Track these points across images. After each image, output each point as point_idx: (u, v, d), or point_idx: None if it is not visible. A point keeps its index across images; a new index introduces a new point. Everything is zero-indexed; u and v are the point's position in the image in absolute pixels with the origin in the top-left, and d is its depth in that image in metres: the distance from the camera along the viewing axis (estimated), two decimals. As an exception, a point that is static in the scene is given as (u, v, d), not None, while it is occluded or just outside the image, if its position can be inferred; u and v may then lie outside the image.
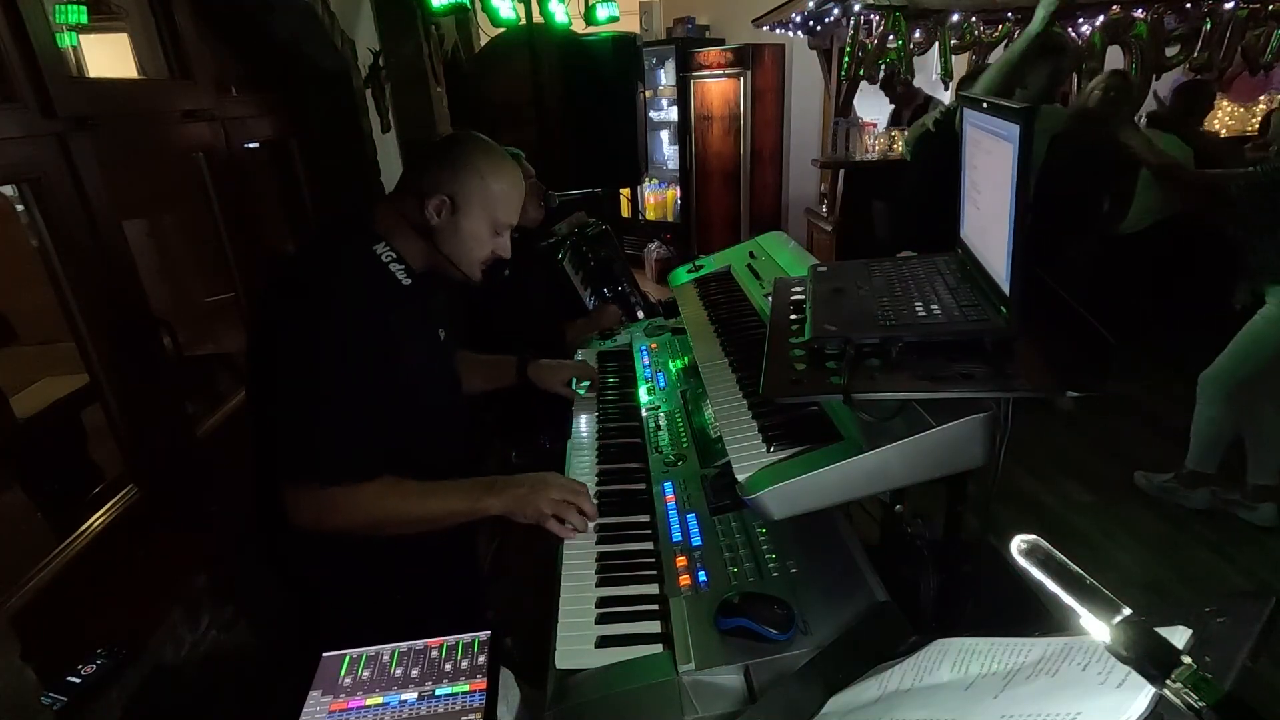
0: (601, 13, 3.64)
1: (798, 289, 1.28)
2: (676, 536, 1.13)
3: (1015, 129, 0.83)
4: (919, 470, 0.91)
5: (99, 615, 1.37)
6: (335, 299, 1.08)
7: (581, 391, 1.64)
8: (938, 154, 2.74)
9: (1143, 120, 3.67)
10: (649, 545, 1.14)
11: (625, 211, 6.11)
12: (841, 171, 4.68)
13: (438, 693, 0.82)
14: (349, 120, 2.66)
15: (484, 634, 0.89)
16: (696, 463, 1.32)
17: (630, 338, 1.99)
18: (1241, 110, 4.74)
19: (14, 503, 1.57)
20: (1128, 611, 0.48)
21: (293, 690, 0.84)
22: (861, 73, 4.39)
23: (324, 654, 0.89)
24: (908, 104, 4.92)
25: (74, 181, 1.42)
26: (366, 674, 0.86)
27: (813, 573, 1.00)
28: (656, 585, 1.05)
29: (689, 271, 1.93)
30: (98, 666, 1.22)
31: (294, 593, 1.28)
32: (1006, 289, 0.92)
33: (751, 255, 1.77)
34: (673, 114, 6.27)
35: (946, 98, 4.88)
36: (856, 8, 4.15)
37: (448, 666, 0.85)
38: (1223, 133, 4.48)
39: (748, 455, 1.01)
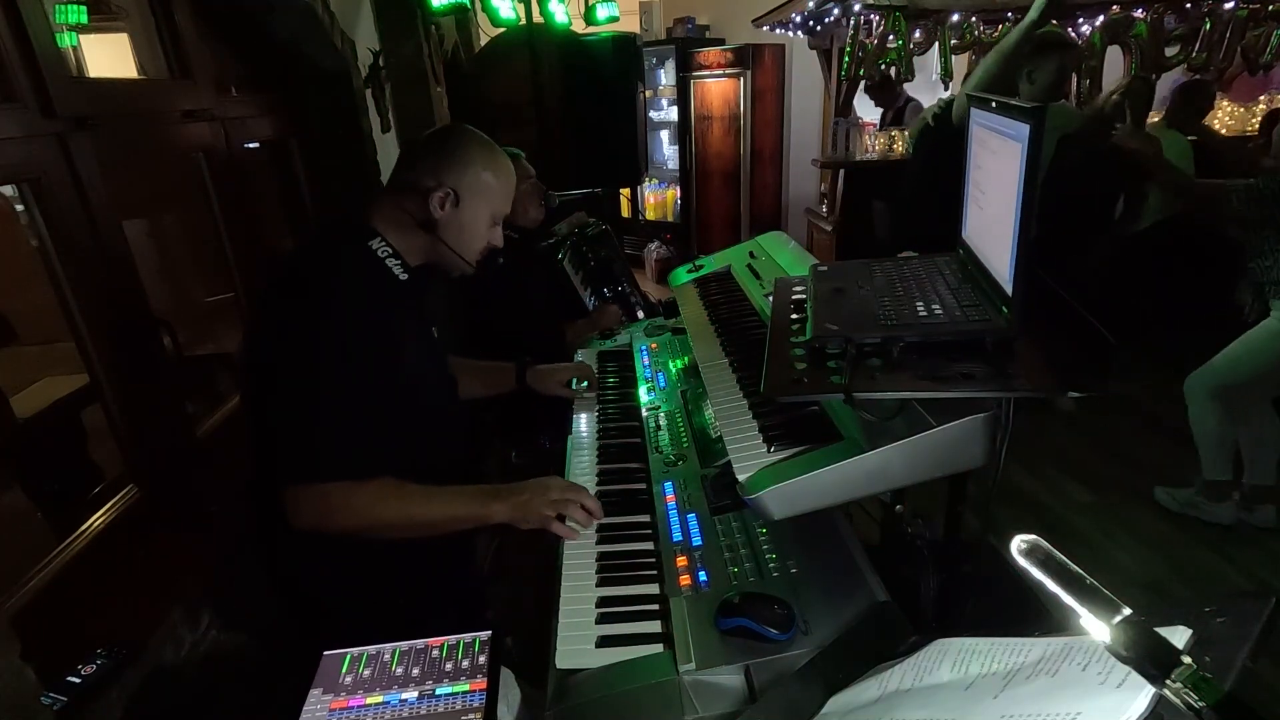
0: (601, 13, 3.64)
1: (798, 289, 1.28)
2: (677, 536, 1.13)
3: (1025, 129, 0.83)
4: (919, 470, 0.91)
5: (99, 615, 1.36)
6: (335, 296, 1.08)
7: (583, 386, 1.64)
8: (937, 148, 2.75)
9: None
10: (649, 545, 1.14)
11: (625, 211, 6.11)
12: (841, 171, 4.68)
13: (438, 692, 0.82)
14: (349, 120, 2.65)
15: (484, 634, 0.89)
16: (697, 463, 1.32)
17: (630, 338, 1.99)
18: (1241, 110, 4.74)
19: (14, 503, 1.57)
20: (1128, 611, 0.48)
21: (293, 689, 0.84)
22: (861, 73, 4.39)
23: (325, 652, 0.89)
24: (890, 105, 4.94)
25: (74, 181, 1.42)
26: (367, 673, 0.86)
27: (813, 573, 1.00)
28: (657, 585, 1.05)
29: (689, 271, 1.93)
30: (98, 666, 1.22)
31: (294, 594, 1.28)
32: (1009, 289, 0.92)
33: (751, 255, 1.77)
34: (673, 114, 6.27)
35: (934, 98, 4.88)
36: (856, 8, 4.15)
37: (448, 666, 0.85)
38: (1223, 133, 4.48)
39: (748, 455, 1.01)
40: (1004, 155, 0.93)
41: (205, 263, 2.26)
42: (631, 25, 6.05)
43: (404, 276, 1.19)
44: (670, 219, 6.65)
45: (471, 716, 0.79)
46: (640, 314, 2.61)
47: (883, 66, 4.34)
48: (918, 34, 4.30)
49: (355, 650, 0.88)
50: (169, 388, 1.68)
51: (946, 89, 4.70)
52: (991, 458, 0.90)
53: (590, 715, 0.86)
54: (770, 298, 1.32)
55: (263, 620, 1.55)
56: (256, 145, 2.34)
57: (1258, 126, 4.37)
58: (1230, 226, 2.59)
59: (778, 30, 5.19)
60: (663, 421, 1.49)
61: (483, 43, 4.16)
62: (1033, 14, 2.37)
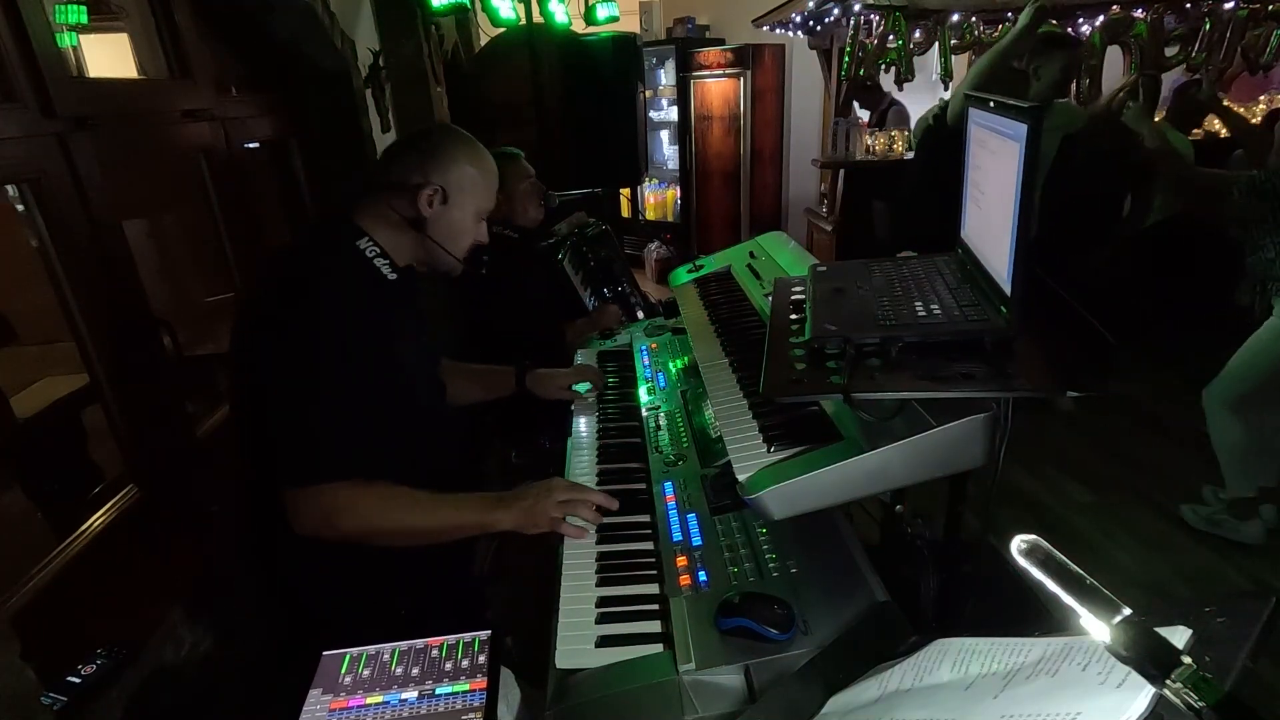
0: (601, 13, 3.64)
1: (798, 289, 1.28)
2: (677, 536, 1.13)
3: (1023, 128, 0.83)
4: (919, 470, 0.91)
5: (99, 615, 1.36)
6: (327, 298, 1.08)
7: (584, 389, 1.64)
8: (938, 147, 2.76)
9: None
10: (649, 545, 1.14)
11: (625, 211, 6.10)
12: (841, 171, 4.68)
13: (438, 692, 0.82)
14: (349, 120, 2.65)
15: (484, 633, 0.89)
16: (697, 463, 1.32)
17: (630, 338, 1.99)
18: (1241, 110, 4.74)
19: (14, 503, 1.57)
20: (1128, 611, 0.48)
21: (293, 690, 0.84)
22: (861, 73, 4.39)
23: (324, 653, 0.89)
24: (874, 108, 4.95)
25: (74, 181, 1.42)
26: (367, 673, 0.86)
27: (813, 573, 1.00)
28: (657, 585, 1.05)
29: (689, 271, 1.93)
30: (98, 666, 1.22)
31: (294, 594, 1.28)
32: (1007, 289, 0.92)
33: (751, 255, 1.77)
34: (673, 114, 6.27)
35: (935, 98, 4.89)
36: (856, 8, 4.15)
37: (448, 666, 0.86)
38: (1222, 133, 4.48)
39: (748, 455, 1.01)
40: (1002, 155, 0.93)
41: (205, 263, 2.26)
42: (631, 25, 6.05)
43: (392, 276, 1.19)
44: (670, 219, 6.65)
45: (471, 716, 0.79)
46: (640, 314, 2.61)
47: (882, 66, 4.34)
48: (918, 34, 4.30)
49: (355, 650, 0.88)
50: (169, 388, 1.68)
51: (946, 89, 4.71)
52: (991, 458, 0.90)
53: (590, 715, 0.86)
54: (770, 298, 1.32)
55: (263, 620, 1.56)
56: (256, 145, 2.34)
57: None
58: (1231, 226, 2.58)
59: (778, 30, 5.19)
60: (663, 421, 1.49)
61: (483, 43, 4.16)
62: (1024, 19, 2.39)
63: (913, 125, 4.87)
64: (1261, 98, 4.79)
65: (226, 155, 2.03)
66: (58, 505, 1.53)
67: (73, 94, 1.41)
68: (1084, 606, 0.49)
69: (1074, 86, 4.42)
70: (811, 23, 4.76)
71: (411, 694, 0.82)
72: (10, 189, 1.38)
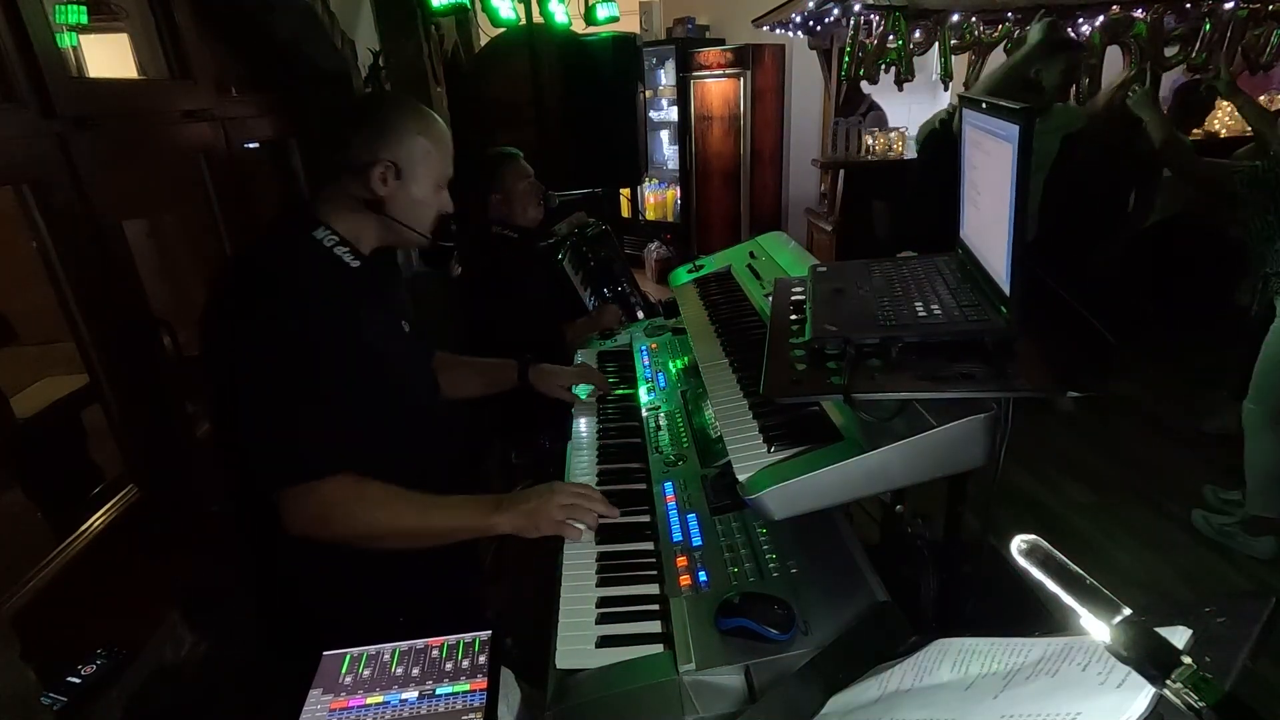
0: (601, 13, 3.64)
1: (798, 289, 1.28)
2: (677, 536, 1.13)
3: (1015, 129, 0.84)
4: (919, 470, 0.91)
5: (99, 615, 1.36)
6: (285, 293, 1.05)
7: (583, 395, 1.64)
8: (942, 152, 2.76)
9: None
10: (649, 545, 1.14)
11: (625, 211, 6.11)
12: (841, 171, 4.68)
13: (438, 692, 0.82)
14: (349, 120, 2.65)
15: (484, 634, 0.89)
16: (697, 463, 1.32)
17: (630, 338, 1.99)
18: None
19: (14, 503, 1.57)
20: (1128, 611, 0.48)
21: (293, 690, 0.84)
22: (861, 73, 4.39)
23: (325, 653, 0.89)
24: (852, 112, 4.97)
25: (74, 181, 1.42)
26: (367, 673, 0.86)
27: (813, 573, 1.00)
28: (657, 585, 1.05)
29: (689, 271, 1.93)
30: (98, 666, 1.22)
31: (293, 594, 1.28)
32: (1007, 289, 0.92)
33: (751, 255, 1.77)
34: (673, 114, 6.27)
35: (945, 100, 4.90)
36: (856, 8, 4.15)
37: (448, 666, 0.86)
38: (1223, 133, 4.48)
39: (748, 455, 1.01)
40: (996, 156, 0.93)
41: (205, 263, 2.26)
42: (631, 25, 6.05)
43: (355, 264, 1.14)
44: (670, 219, 6.65)
45: (471, 716, 0.79)
46: (640, 314, 2.61)
47: (882, 67, 4.34)
48: (918, 34, 4.30)
49: (355, 650, 0.88)
50: (169, 388, 1.68)
51: (946, 89, 4.71)
52: (991, 458, 0.90)
53: (590, 715, 0.86)
54: (770, 298, 1.32)
55: (262, 620, 1.55)
56: (256, 145, 2.34)
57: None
58: (1232, 226, 2.58)
59: (778, 30, 5.19)
60: (663, 421, 1.49)
61: (483, 43, 4.16)
62: (1036, 36, 2.39)
63: (891, 129, 4.89)
64: (1261, 98, 4.78)
65: (226, 155, 2.03)
66: (58, 505, 1.53)
67: (73, 94, 1.41)
68: (1084, 606, 0.49)
69: (1074, 87, 4.43)
70: (811, 23, 4.76)
71: (412, 694, 0.82)
72: (10, 189, 1.38)
